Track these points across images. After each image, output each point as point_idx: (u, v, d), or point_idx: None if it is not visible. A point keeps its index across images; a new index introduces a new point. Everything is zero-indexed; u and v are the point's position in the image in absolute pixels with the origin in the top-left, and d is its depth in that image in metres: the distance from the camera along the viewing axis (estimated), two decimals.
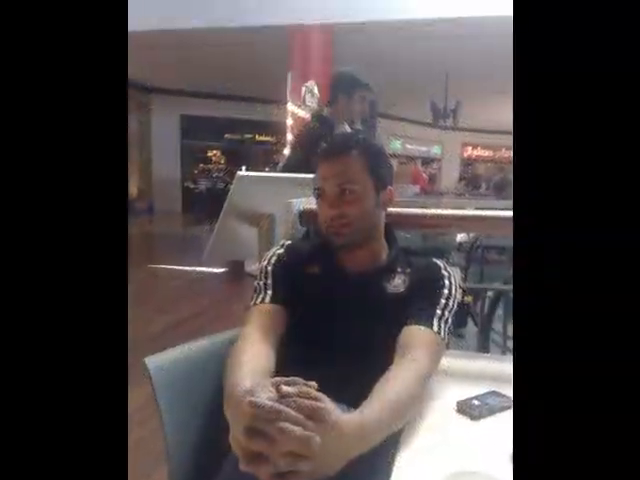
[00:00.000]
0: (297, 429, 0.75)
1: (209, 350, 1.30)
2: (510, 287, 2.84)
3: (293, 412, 0.77)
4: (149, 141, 15.46)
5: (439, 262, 1.31)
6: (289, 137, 7.11)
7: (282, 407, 0.77)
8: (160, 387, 1.15)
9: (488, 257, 3.97)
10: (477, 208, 4.13)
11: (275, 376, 0.95)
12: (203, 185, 17.09)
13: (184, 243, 10.74)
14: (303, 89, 7.70)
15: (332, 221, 1.25)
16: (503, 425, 1.02)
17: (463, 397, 1.13)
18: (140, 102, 14.70)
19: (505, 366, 1.34)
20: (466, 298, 3.36)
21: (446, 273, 1.28)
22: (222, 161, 17.64)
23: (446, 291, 1.24)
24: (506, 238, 3.70)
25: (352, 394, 0.97)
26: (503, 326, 3.03)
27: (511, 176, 5.01)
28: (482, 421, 1.07)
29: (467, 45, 9.34)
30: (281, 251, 1.35)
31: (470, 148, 21.21)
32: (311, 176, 1.33)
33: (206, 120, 16.01)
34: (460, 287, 1.30)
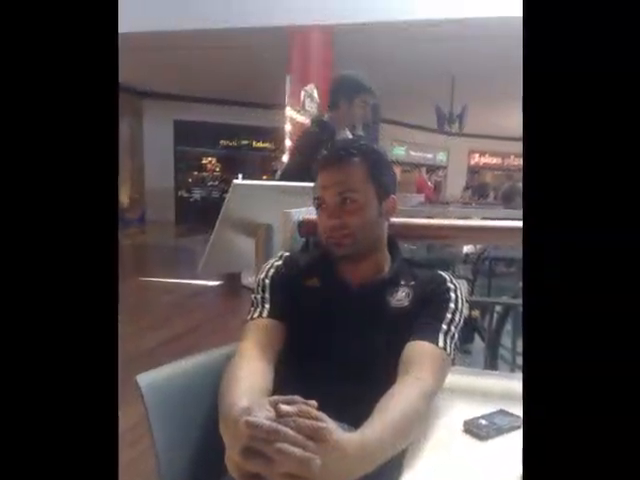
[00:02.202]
0: (297, 450, 0.75)
1: (204, 366, 1.30)
2: (519, 301, 2.84)
3: (292, 432, 0.77)
4: (141, 148, 15.47)
5: (445, 274, 1.32)
6: (288, 143, 7.12)
7: (281, 427, 0.77)
8: (152, 406, 1.15)
9: (496, 269, 3.96)
10: (484, 218, 4.13)
11: (273, 394, 0.95)
12: (198, 194, 17.12)
13: (178, 255, 10.74)
14: (302, 93, 7.73)
15: (332, 232, 1.25)
16: (512, 446, 1.01)
17: (470, 416, 1.13)
18: (132, 107, 14.74)
19: (514, 384, 1.34)
20: (473, 312, 3.36)
21: (452, 286, 1.28)
22: (218, 169, 17.65)
23: (452, 305, 1.24)
24: (515, 249, 3.70)
25: (353, 413, 0.97)
26: (512, 342, 3.02)
27: (520, 184, 5.01)
28: (490, 441, 1.07)
29: (474, 47, 9.38)
30: (279, 263, 1.35)
31: (477, 155, 21.22)
32: (311, 184, 1.33)
33: (201, 126, 16.02)
34: (467, 301, 1.30)
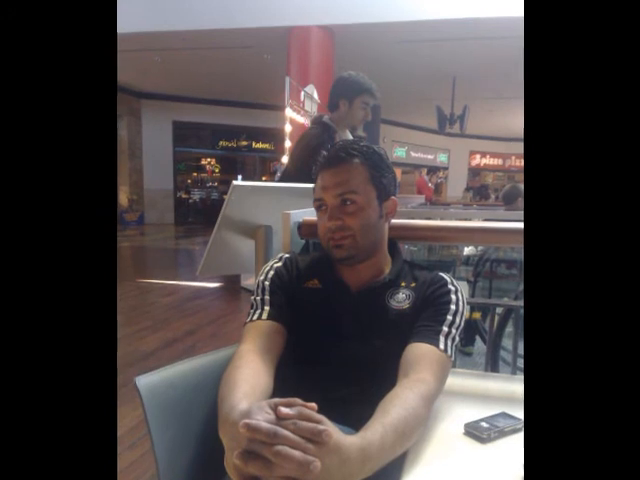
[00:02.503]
0: (296, 453, 0.75)
1: (204, 369, 1.30)
2: (520, 303, 2.84)
3: (292, 435, 0.77)
4: (140, 149, 15.47)
5: (445, 276, 1.31)
6: (287, 144, 7.11)
7: (280, 430, 0.76)
8: (151, 407, 1.15)
9: (497, 271, 3.97)
10: (485, 219, 4.14)
11: (273, 397, 0.94)
12: (197, 195, 17.15)
13: (177, 256, 10.74)
14: (302, 94, 7.73)
15: (333, 233, 1.25)
16: (513, 448, 1.01)
17: (471, 419, 1.13)
18: (130, 107, 14.75)
19: (516, 386, 1.34)
20: (474, 314, 3.37)
21: (452, 288, 1.28)
22: (217, 170, 17.69)
23: (453, 307, 1.24)
24: (516, 251, 3.71)
25: (354, 415, 0.97)
26: (513, 344, 3.02)
27: (521, 185, 5.02)
28: (491, 444, 1.07)
29: (474, 47, 9.39)
30: (279, 265, 1.35)
31: (478, 156, 21.25)
32: (311, 186, 1.33)
33: (200, 126, 16.04)
34: (467, 303, 1.30)
